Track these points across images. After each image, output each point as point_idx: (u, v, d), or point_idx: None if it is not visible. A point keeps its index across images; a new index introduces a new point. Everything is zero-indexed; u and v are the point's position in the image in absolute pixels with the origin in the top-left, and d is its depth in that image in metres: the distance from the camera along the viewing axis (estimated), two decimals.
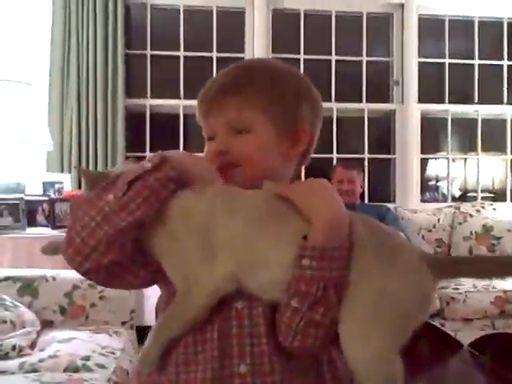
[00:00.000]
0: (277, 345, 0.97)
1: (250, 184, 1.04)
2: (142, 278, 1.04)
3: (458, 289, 3.67)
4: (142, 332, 2.78)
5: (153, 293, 1.15)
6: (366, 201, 4.57)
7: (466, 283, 3.73)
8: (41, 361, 2.13)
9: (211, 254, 0.94)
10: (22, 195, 3.19)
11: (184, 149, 4.53)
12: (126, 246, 0.97)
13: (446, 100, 4.88)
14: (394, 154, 4.84)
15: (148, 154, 4.49)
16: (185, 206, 0.97)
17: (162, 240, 0.98)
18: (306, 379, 1.00)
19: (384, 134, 4.99)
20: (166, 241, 0.97)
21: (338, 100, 4.75)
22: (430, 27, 4.91)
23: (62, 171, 4.01)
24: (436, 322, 3.34)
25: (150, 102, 4.52)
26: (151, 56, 4.57)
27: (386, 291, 0.92)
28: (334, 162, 4.58)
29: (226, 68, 1.15)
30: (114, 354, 2.31)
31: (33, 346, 2.32)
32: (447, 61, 4.89)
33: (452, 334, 2.67)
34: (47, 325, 2.59)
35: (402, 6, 4.73)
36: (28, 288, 2.61)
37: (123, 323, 2.71)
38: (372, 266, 0.93)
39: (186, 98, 4.54)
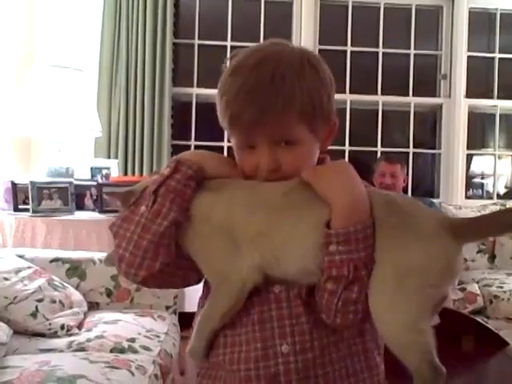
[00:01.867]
0: (316, 321, 1.02)
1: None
2: (190, 277, 1.11)
3: (502, 287, 3.62)
4: (183, 318, 2.82)
5: None
6: (410, 195, 4.52)
7: (511, 282, 3.68)
8: (88, 340, 2.19)
9: (236, 250, 1.00)
10: (71, 179, 3.26)
11: (228, 138, 4.55)
12: (171, 248, 1.04)
13: (495, 95, 4.79)
14: (439, 148, 4.78)
15: (193, 142, 4.54)
16: (205, 205, 1.03)
17: (192, 239, 1.04)
18: (340, 352, 1.05)
19: (430, 128, 4.93)
20: (194, 240, 1.04)
21: (384, 93, 4.71)
22: (481, 21, 4.82)
23: (109, 157, 4.07)
24: (479, 319, 3.31)
25: (197, 91, 4.55)
26: (198, 45, 4.60)
27: (409, 263, 0.93)
28: (378, 155, 4.55)
29: (242, 70, 1.07)
30: (158, 337, 2.36)
31: (80, 326, 2.39)
32: (497, 55, 4.79)
33: (496, 331, 2.64)
34: (93, 306, 2.66)
35: None
36: (76, 270, 2.68)
37: (167, 308, 2.76)
38: (392, 240, 0.95)
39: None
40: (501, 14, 4.76)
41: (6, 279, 2.32)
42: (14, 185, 3.12)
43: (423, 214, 0.98)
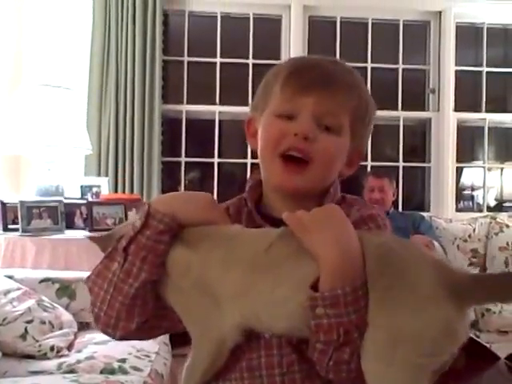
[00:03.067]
0: (309, 371, 0.94)
1: (309, 187, 1.02)
2: (176, 326, 1.04)
3: None
4: (175, 336, 2.80)
5: None
6: (400, 209, 4.54)
7: None
8: (78, 362, 2.18)
9: (216, 306, 0.93)
10: (61, 198, 3.25)
11: (219, 153, 4.57)
12: (146, 307, 0.99)
13: (483, 108, 4.83)
14: (429, 162, 4.80)
15: (183, 159, 4.54)
16: (181, 261, 0.96)
17: (171, 292, 0.98)
18: None
19: (419, 142, 4.96)
20: (173, 293, 0.98)
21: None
22: (468, 35, 4.87)
23: (100, 175, 4.07)
24: (471, 334, 3.30)
25: (187, 108, 4.56)
26: (188, 62, 4.62)
27: (402, 330, 0.83)
28: (368, 169, 4.57)
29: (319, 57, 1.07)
30: (148, 356, 2.35)
31: (70, 347, 2.37)
32: (485, 69, 4.83)
33: (487, 346, 2.64)
34: (84, 326, 2.64)
35: (440, 13, 4.70)
36: (66, 290, 2.66)
37: None
38: (384, 303, 0.85)
39: (221, 103, 4.58)
40: (487, 27, 4.81)
41: None
42: (3, 204, 3.11)
43: (421, 270, 0.86)
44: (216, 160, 4.56)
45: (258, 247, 0.93)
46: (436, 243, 3.77)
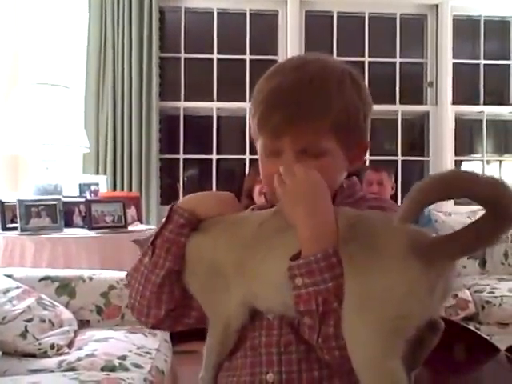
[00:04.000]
0: (307, 352, 0.97)
1: None
2: (204, 317, 1.10)
3: (493, 292, 3.62)
4: (175, 333, 2.80)
5: None
6: (399, 203, 4.52)
7: (502, 287, 3.69)
8: (78, 359, 2.17)
9: (226, 287, 1.00)
10: (59, 197, 3.24)
11: (217, 150, 4.56)
12: (173, 294, 1.09)
13: (481, 101, 4.82)
14: (427, 156, 4.80)
15: (181, 156, 4.54)
16: (194, 247, 1.06)
17: (190, 279, 1.07)
18: None
19: (418, 135, 4.95)
20: (192, 280, 1.07)
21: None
22: (465, 28, 4.86)
23: (98, 173, 4.06)
24: (471, 326, 3.31)
25: (184, 105, 4.56)
26: (185, 59, 4.61)
27: (370, 292, 0.85)
28: (367, 163, 4.56)
29: (281, 71, 1.07)
30: (149, 353, 2.34)
31: (70, 344, 2.36)
32: (482, 61, 4.83)
33: (487, 338, 2.64)
34: (84, 324, 2.63)
35: (437, 6, 4.69)
36: (66, 288, 2.66)
37: None
38: (354, 267, 0.87)
39: (219, 100, 4.57)
40: (484, 20, 4.80)
41: None
42: (1, 203, 3.10)
43: (390, 234, 0.88)
44: (214, 156, 4.56)
45: (255, 225, 1.00)
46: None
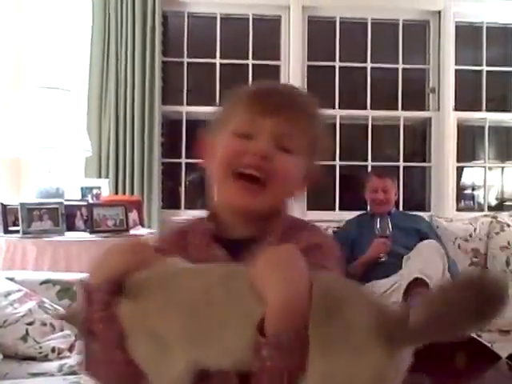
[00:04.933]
0: None
1: (263, 207, 1.03)
2: None
3: None
4: None
5: None
6: (401, 209, 4.52)
7: None
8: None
9: (163, 352, 0.91)
10: (61, 200, 3.25)
11: None
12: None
13: (484, 108, 4.82)
14: (429, 162, 4.79)
15: (183, 160, 4.54)
16: (125, 315, 0.95)
17: (130, 346, 0.96)
18: None
19: (419, 141, 4.96)
20: (131, 346, 0.96)
21: (373, 108, 4.73)
22: (467, 34, 4.86)
23: (100, 176, 4.07)
24: (472, 334, 3.30)
25: (187, 109, 4.56)
26: (188, 63, 4.62)
27: (334, 375, 0.81)
28: (369, 169, 4.56)
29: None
30: None
31: (71, 348, 2.36)
32: (484, 68, 4.82)
33: (488, 345, 2.63)
34: None
35: (439, 13, 4.69)
36: (67, 291, 2.65)
37: None
38: (321, 346, 0.83)
39: (221, 105, 4.55)
40: (487, 27, 4.80)
41: None
42: (3, 206, 3.10)
43: (357, 313, 0.84)
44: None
45: (197, 289, 0.91)
46: (442, 251, 3.74)
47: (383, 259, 3.73)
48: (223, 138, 1.06)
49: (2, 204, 3.11)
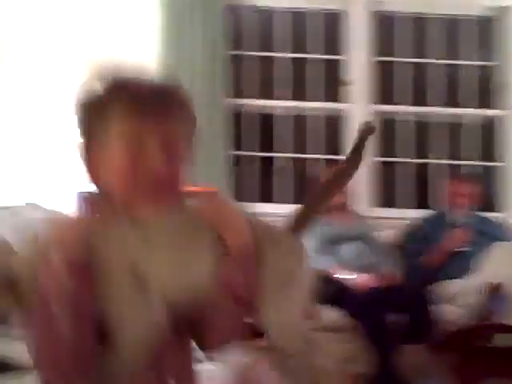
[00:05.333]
0: None
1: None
2: None
3: None
4: None
5: None
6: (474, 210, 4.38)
7: None
8: None
9: (142, 286, 0.98)
10: None
11: (278, 149, 4.51)
12: None
13: None
14: (501, 161, 4.65)
15: (250, 153, 4.53)
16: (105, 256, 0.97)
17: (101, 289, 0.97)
18: None
19: (489, 140, 4.82)
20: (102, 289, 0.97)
21: (433, 104, 4.68)
22: None
23: None
24: None
25: (248, 102, 4.53)
26: (250, 57, 4.57)
27: (279, 269, 1.07)
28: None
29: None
30: None
31: None
32: None
33: None
34: None
35: (507, 8, 4.56)
36: None
37: None
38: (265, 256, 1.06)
39: (280, 98, 4.54)
40: None
41: None
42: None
43: (282, 233, 1.15)
44: (274, 155, 4.54)
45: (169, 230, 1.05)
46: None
47: (463, 248, 3.64)
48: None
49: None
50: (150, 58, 4.12)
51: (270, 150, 4.54)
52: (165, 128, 1.04)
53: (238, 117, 4.47)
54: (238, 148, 4.38)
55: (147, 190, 1.02)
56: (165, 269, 0.98)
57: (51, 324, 0.90)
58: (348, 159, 1.19)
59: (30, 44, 3.29)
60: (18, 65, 3.00)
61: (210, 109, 4.16)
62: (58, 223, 1.00)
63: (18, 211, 2.55)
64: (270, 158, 4.54)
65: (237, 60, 4.51)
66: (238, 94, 4.51)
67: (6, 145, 3.13)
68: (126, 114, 1.01)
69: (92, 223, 0.99)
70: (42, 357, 0.94)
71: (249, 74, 4.55)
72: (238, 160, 4.37)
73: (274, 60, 4.56)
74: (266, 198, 4.51)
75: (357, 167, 1.19)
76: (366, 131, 1.18)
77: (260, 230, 1.08)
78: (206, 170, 4.12)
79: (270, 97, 4.54)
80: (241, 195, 4.39)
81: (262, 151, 4.56)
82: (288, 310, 1.06)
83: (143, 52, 4.14)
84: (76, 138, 1.06)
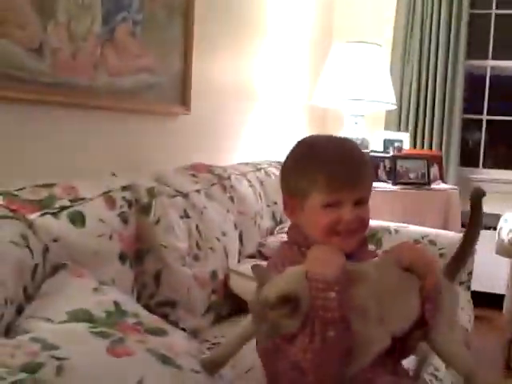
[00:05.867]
0: None
1: (355, 246, 1.29)
2: None
3: None
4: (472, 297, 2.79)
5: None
6: None
7: None
8: None
9: (367, 320, 1.19)
10: (367, 151, 3.39)
11: None
12: None
13: None
14: None
15: (485, 117, 4.41)
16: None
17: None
18: None
19: None
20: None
21: None
22: None
23: (399, 130, 4.14)
24: None
25: (491, 64, 4.38)
26: (496, 15, 4.39)
27: (449, 308, 1.31)
28: None
29: (338, 152, 1.30)
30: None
31: None
32: None
33: None
34: None
35: None
36: (373, 237, 2.79)
37: (460, 283, 2.74)
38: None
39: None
40: None
41: None
42: None
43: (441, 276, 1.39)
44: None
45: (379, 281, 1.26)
46: None
47: None
48: (313, 208, 1.27)
49: None
50: (390, 17, 4.23)
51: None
52: (357, 194, 1.26)
53: (480, 78, 4.38)
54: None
55: (341, 238, 1.27)
56: (394, 310, 1.23)
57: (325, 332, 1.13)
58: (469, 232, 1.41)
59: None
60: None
61: (450, 70, 4.15)
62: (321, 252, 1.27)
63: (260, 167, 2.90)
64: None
65: (482, 19, 4.38)
66: (483, 54, 4.40)
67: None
68: (325, 189, 1.25)
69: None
70: (314, 360, 1.13)
71: (495, 34, 4.39)
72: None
73: None
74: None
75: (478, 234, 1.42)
76: (476, 197, 1.37)
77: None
78: (440, 133, 4.15)
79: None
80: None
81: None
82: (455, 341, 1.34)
83: (385, 14, 4.26)
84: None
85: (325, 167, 1.26)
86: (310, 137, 1.40)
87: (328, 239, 1.25)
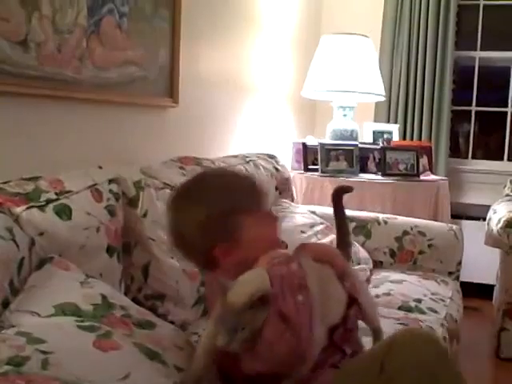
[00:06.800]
0: None
1: None
2: None
3: None
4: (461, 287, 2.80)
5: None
6: None
7: None
8: (376, 296, 2.30)
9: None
10: (356, 142, 3.39)
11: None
12: None
13: None
14: None
15: (474, 108, 4.41)
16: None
17: None
18: None
19: None
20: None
21: None
22: None
23: (389, 121, 4.14)
24: None
25: (480, 55, 4.39)
26: (484, 6, 4.39)
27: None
28: None
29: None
30: (443, 301, 2.38)
31: (367, 281, 2.51)
32: None
33: None
34: (377, 265, 2.76)
35: None
36: (362, 228, 2.80)
37: (449, 273, 2.75)
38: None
39: None
40: None
41: (302, 232, 2.53)
42: (304, 146, 3.35)
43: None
44: (510, 110, 4.34)
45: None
46: None
47: None
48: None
49: (303, 144, 3.36)
50: (378, 9, 4.21)
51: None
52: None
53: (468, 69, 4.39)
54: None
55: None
56: (331, 300, 1.34)
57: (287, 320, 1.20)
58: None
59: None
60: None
61: (439, 61, 4.14)
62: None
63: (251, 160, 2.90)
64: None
65: (469, 10, 4.39)
66: (471, 45, 4.40)
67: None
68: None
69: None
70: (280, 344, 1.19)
71: (483, 25, 4.39)
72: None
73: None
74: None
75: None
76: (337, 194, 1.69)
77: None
78: (429, 125, 4.16)
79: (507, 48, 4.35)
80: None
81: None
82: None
83: (373, 5, 4.25)
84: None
85: (256, 195, 1.47)
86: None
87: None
